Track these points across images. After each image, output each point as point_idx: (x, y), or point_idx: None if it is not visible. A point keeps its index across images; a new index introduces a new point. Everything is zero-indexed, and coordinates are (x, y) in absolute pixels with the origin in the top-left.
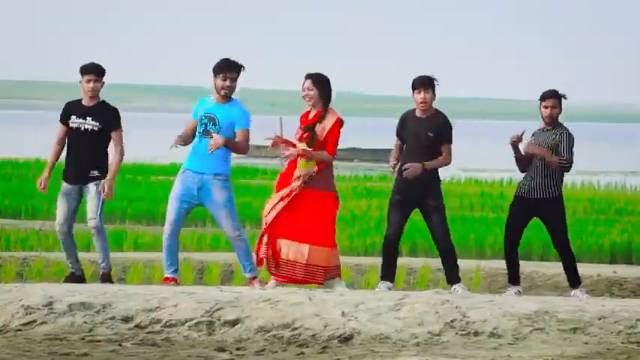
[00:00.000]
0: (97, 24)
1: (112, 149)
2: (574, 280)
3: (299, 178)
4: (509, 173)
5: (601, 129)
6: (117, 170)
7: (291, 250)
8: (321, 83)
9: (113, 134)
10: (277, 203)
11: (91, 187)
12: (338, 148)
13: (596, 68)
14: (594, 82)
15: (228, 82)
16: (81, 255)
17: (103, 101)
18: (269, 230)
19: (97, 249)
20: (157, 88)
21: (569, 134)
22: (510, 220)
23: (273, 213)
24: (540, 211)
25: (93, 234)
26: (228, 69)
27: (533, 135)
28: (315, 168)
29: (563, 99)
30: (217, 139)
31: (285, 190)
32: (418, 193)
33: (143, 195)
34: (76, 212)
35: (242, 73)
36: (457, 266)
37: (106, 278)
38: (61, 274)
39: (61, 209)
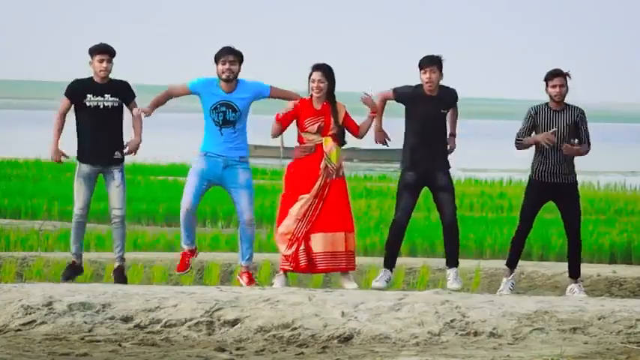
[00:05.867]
0: (96, 24)
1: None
2: (576, 270)
3: (328, 169)
4: (509, 173)
5: (601, 129)
6: (141, 131)
7: (328, 240)
8: (330, 75)
9: (131, 105)
10: (312, 202)
11: (116, 173)
12: None
13: (596, 68)
14: (594, 82)
15: (227, 65)
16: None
17: (113, 79)
18: (309, 229)
19: (116, 239)
20: (156, 88)
21: (585, 114)
22: (528, 208)
23: (311, 213)
24: (558, 195)
25: (116, 223)
26: (224, 54)
27: (535, 113)
28: (342, 156)
29: (568, 78)
30: None
31: (319, 184)
32: (429, 169)
33: (143, 195)
34: (92, 195)
35: (240, 73)
36: (458, 248)
37: (121, 272)
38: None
39: (82, 193)
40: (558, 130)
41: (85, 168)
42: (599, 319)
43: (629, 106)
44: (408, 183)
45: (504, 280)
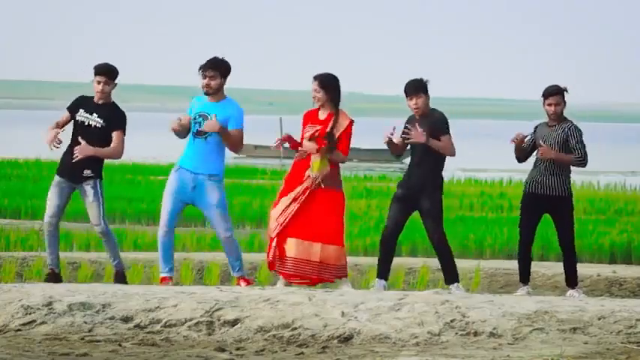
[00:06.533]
0: (96, 24)
1: None
2: (572, 280)
3: (310, 177)
4: (509, 173)
5: (601, 129)
6: (105, 154)
7: (302, 248)
8: (328, 84)
9: (114, 134)
10: (289, 205)
11: (88, 189)
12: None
13: (596, 68)
14: (594, 82)
15: (206, 80)
16: (81, 254)
17: (114, 103)
18: (282, 231)
19: (106, 252)
20: (156, 88)
21: (576, 128)
22: (524, 221)
23: (286, 215)
24: (551, 207)
25: (101, 238)
26: (204, 67)
27: (536, 129)
28: (329, 168)
29: (565, 93)
30: (214, 123)
31: (299, 189)
32: (417, 192)
33: (143, 195)
34: (65, 206)
35: (240, 73)
36: (454, 267)
37: (120, 277)
38: (61, 274)
39: (53, 202)
40: (549, 146)
41: (59, 179)
42: (599, 319)
43: (629, 106)
44: (397, 196)
45: (522, 287)
